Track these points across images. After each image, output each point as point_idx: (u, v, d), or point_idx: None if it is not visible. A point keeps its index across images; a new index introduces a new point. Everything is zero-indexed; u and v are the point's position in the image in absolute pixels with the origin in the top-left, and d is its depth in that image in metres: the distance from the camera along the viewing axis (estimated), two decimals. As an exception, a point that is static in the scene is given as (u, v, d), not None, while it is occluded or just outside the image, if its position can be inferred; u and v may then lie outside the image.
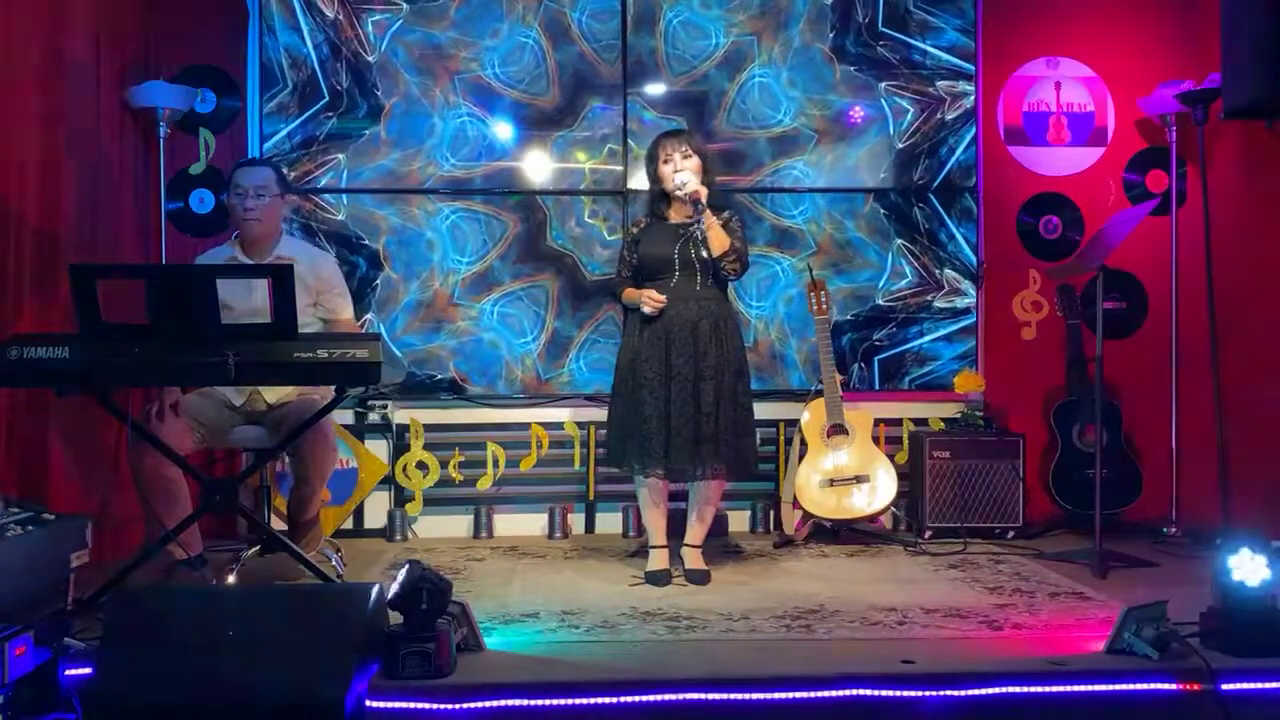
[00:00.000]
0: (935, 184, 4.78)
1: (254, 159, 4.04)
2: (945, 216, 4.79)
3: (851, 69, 4.76)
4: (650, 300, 3.72)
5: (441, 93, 4.66)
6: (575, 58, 4.70)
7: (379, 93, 4.64)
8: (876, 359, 4.79)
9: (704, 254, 3.73)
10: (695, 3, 4.73)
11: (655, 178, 3.85)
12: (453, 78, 4.66)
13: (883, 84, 4.77)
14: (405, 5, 4.65)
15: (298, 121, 4.61)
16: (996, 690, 2.63)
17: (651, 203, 3.94)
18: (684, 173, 3.73)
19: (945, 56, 4.78)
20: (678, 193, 3.74)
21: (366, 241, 4.63)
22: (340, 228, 4.63)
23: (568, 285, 4.70)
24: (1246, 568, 2.81)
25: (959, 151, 4.78)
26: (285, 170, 4.22)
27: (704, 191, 3.70)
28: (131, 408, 3.70)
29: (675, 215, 3.84)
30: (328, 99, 4.62)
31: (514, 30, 4.68)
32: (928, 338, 4.80)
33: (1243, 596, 2.80)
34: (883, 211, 4.79)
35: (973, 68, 4.79)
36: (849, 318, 4.78)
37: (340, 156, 4.63)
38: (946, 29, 4.78)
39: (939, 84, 4.78)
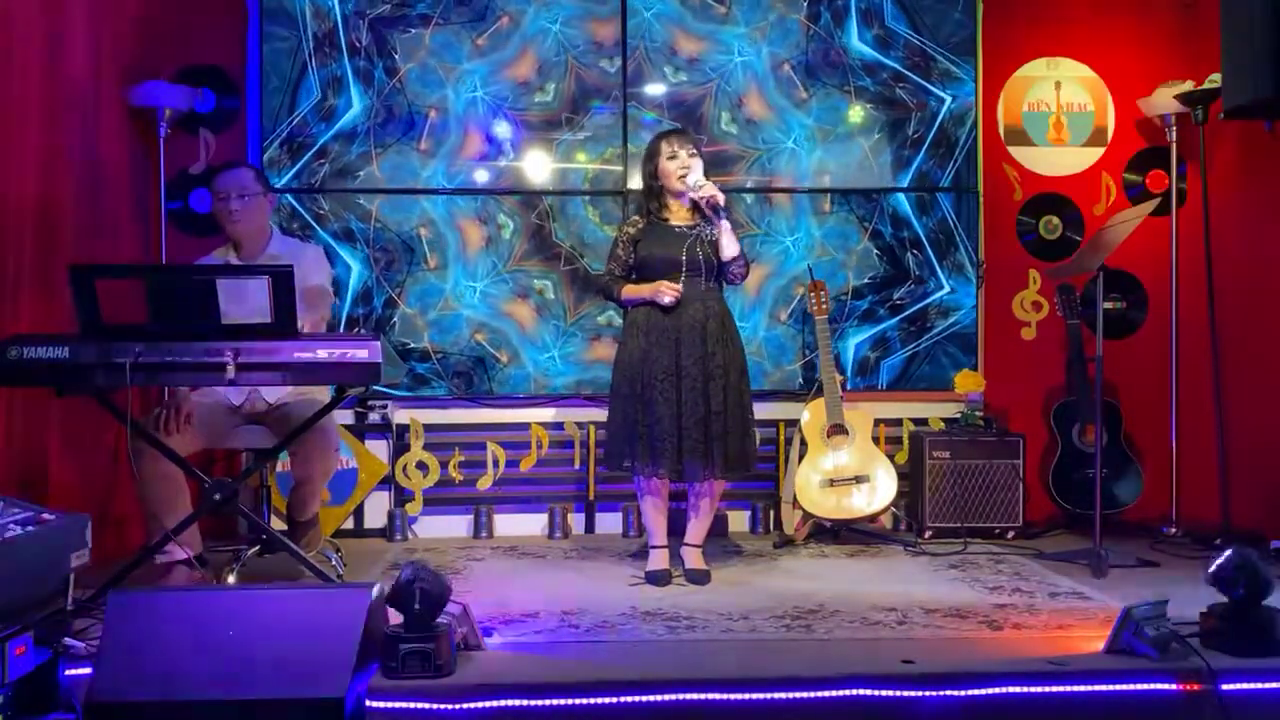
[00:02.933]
0: (929, 138, 4.76)
1: (231, 162, 3.98)
2: (937, 265, 4.79)
3: (869, 106, 4.77)
4: (668, 289, 3.69)
5: (459, 69, 4.67)
6: (573, 62, 4.71)
7: (397, 55, 4.64)
8: (902, 316, 4.79)
9: (712, 255, 3.73)
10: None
11: (655, 174, 3.81)
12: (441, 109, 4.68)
13: (897, 129, 4.79)
14: (375, 42, 4.64)
15: (288, 173, 4.59)
16: (996, 690, 2.63)
17: (648, 200, 3.86)
18: (697, 174, 3.71)
19: (963, 108, 4.79)
20: (692, 194, 3.71)
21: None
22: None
23: (570, 282, 4.71)
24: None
25: (950, 102, 4.79)
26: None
27: (722, 198, 3.69)
28: (131, 408, 3.70)
29: (675, 216, 3.83)
30: (352, 106, 4.63)
31: (539, 15, 4.69)
32: (947, 289, 4.80)
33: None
34: (876, 252, 4.78)
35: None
36: (867, 280, 4.78)
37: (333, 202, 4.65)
38: (967, 80, 4.79)
39: (952, 125, 4.80)
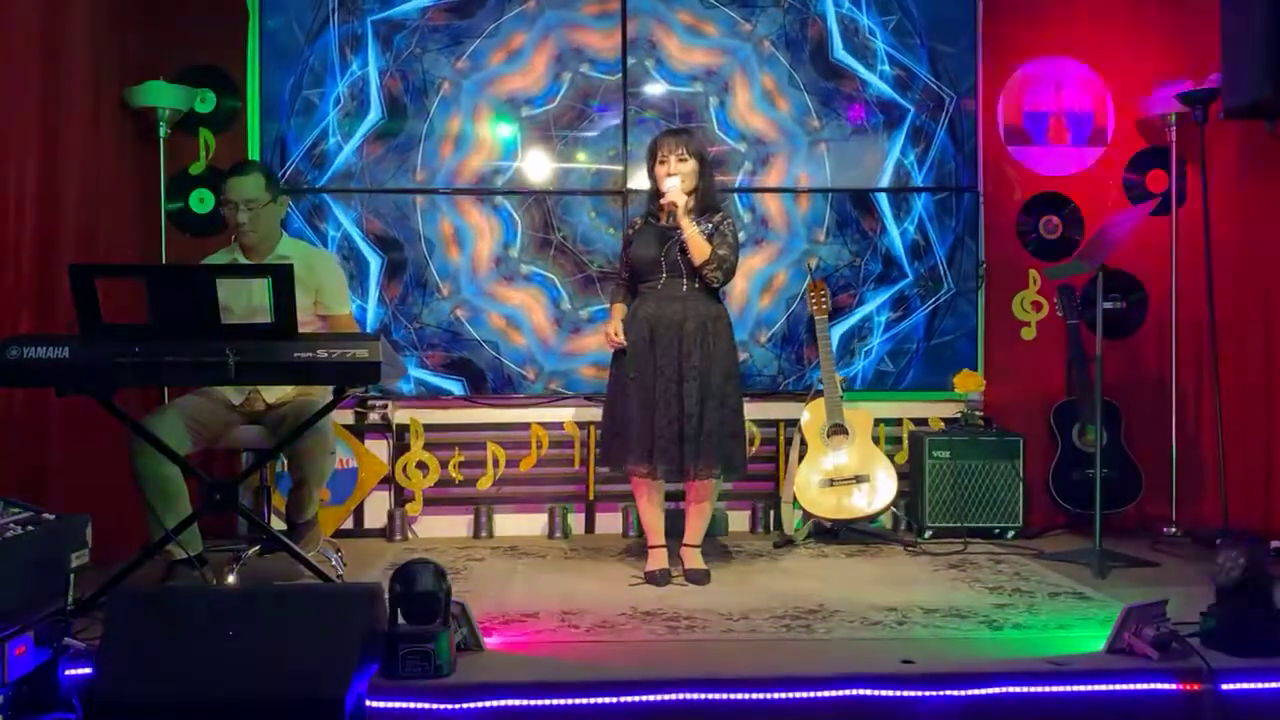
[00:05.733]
0: (929, 143, 4.80)
1: (241, 165, 3.91)
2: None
3: (869, 110, 4.79)
4: (610, 339, 3.80)
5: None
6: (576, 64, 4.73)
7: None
8: (917, 275, 4.81)
9: (688, 257, 3.74)
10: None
11: (652, 176, 3.84)
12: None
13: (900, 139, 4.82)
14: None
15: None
16: (996, 690, 2.63)
17: (647, 202, 3.93)
18: (672, 178, 3.72)
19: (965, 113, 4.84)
20: (660, 200, 3.75)
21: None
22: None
23: (579, 283, 4.73)
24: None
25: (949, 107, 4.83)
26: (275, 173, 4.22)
27: (680, 204, 3.68)
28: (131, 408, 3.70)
29: (665, 217, 3.84)
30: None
31: (540, 17, 4.71)
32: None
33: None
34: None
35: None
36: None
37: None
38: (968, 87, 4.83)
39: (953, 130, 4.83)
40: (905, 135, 4.78)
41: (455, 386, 4.69)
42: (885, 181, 4.79)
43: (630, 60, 4.71)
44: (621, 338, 3.77)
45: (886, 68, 4.77)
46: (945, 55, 4.78)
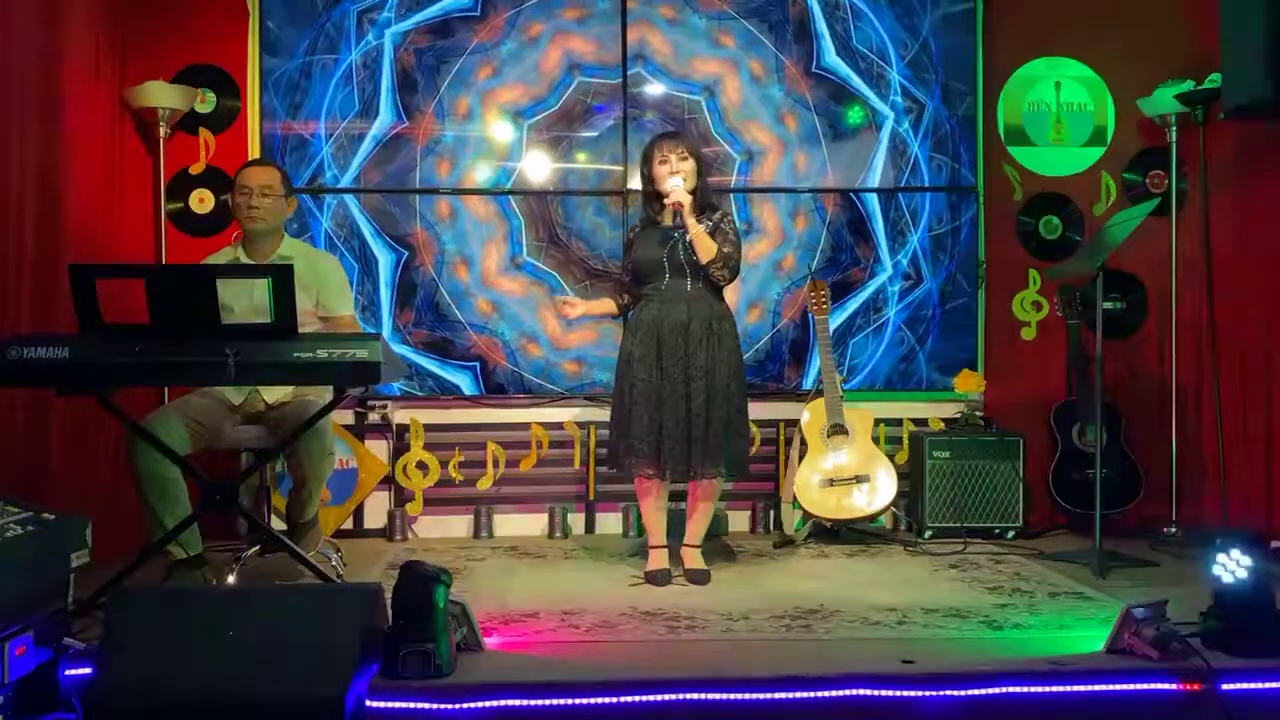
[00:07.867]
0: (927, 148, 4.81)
1: (261, 159, 4.04)
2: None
3: (864, 115, 4.80)
4: (561, 305, 4.05)
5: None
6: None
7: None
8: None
9: (694, 256, 3.74)
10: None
11: (649, 179, 3.84)
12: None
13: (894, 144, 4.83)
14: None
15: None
16: (996, 690, 2.62)
17: (645, 204, 3.92)
18: (675, 177, 3.72)
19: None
20: (665, 200, 3.75)
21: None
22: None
23: (581, 287, 4.72)
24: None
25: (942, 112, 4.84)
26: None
27: (686, 202, 3.69)
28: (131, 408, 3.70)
29: (667, 218, 3.84)
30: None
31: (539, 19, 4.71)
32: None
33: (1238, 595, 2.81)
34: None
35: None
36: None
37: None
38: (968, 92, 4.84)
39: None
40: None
41: (466, 379, 4.68)
42: (883, 151, 4.77)
43: (630, 61, 4.70)
44: (575, 310, 4.00)
45: (899, 98, 4.78)
46: (957, 91, 4.80)
